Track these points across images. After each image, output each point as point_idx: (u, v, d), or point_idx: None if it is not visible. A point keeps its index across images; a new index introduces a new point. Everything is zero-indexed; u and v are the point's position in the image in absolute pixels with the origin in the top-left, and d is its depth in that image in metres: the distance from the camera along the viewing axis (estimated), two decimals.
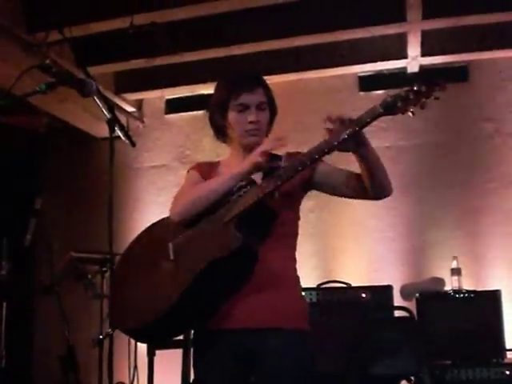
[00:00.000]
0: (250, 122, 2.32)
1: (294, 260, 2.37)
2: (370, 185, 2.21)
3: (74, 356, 3.34)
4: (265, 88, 2.39)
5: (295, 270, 2.36)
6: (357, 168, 2.23)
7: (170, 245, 2.25)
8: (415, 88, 1.95)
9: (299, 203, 2.38)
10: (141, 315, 2.21)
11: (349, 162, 2.26)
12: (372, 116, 2.01)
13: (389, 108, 1.99)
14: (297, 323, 2.25)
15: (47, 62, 2.59)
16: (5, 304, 3.91)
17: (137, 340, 2.61)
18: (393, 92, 2.00)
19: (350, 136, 2.04)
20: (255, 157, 2.19)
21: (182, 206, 2.30)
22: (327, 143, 2.08)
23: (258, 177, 2.26)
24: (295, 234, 2.38)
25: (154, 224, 2.42)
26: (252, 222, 2.15)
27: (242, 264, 2.16)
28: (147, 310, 2.19)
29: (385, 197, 2.27)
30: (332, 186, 2.34)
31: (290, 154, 2.38)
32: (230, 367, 2.23)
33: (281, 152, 2.40)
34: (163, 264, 2.24)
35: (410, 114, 1.98)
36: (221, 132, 2.45)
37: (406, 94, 1.96)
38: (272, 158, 2.34)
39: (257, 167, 2.20)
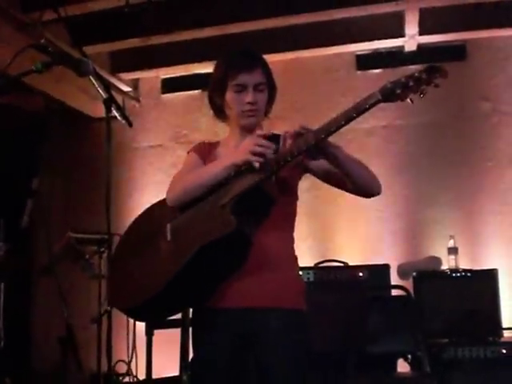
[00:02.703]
0: (248, 103, 2.31)
1: (292, 240, 2.37)
2: (352, 186, 2.24)
3: (72, 336, 3.35)
4: (264, 68, 2.36)
5: (293, 250, 2.37)
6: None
7: (168, 226, 2.27)
8: (416, 75, 1.93)
9: (296, 185, 2.38)
10: (138, 294, 2.23)
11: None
12: (371, 102, 1.99)
13: (388, 95, 1.97)
14: (294, 303, 2.27)
15: (42, 41, 2.57)
16: (2, 285, 3.92)
17: (134, 318, 2.62)
18: (393, 79, 1.98)
19: (347, 123, 2.03)
20: (249, 147, 2.15)
21: (177, 192, 2.31)
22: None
23: None
24: (293, 216, 2.38)
25: (153, 205, 2.44)
26: (248, 205, 2.15)
27: (236, 247, 2.17)
28: (144, 288, 2.22)
29: (372, 196, 2.30)
30: (324, 178, 2.35)
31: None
32: (228, 346, 2.24)
33: (281, 130, 2.40)
34: (161, 244, 2.27)
35: (409, 101, 1.97)
36: (220, 111, 2.43)
37: (406, 80, 1.94)
38: (270, 137, 2.33)
39: (248, 162, 2.15)
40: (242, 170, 2.18)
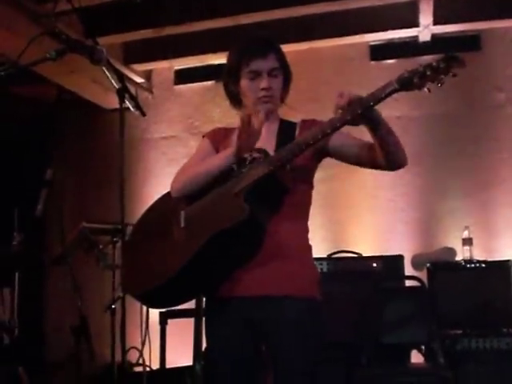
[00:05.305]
0: (262, 89, 2.30)
1: (307, 229, 2.36)
2: (383, 157, 2.19)
3: (86, 326, 3.36)
4: (277, 53, 2.35)
5: (307, 239, 2.35)
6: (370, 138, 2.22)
7: (182, 213, 2.28)
8: (433, 64, 1.91)
9: (313, 173, 2.37)
10: (151, 280, 2.24)
11: (362, 133, 2.24)
12: (387, 92, 1.98)
13: (405, 84, 1.95)
14: (308, 291, 2.26)
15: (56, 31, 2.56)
16: (17, 275, 3.94)
17: (145, 304, 2.63)
18: (410, 68, 1.96)
19: (363, 111, 2.02)
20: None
21: (181, 183, 2.35)
22: (340, 118, 2.06)
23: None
24: (308, 204, 2.37)
25: (167, 193, 2.43)
26: (261, 194, 2.15)
27: (250, 235, 2.17)
28: (157, 274, 2.23)
29: (398, 168, 2.25)
30: (345, 156, 2.33)
31: (304, 122, 2.37)
32: (241, 335, 2.25)
33: (296, 119, 2.39)
34: (175, 231, 2.28)
35: (427, 90, 1.95)
36: (235, 99, 2.43)
37: (424, 69, 1.92)
38: (287, 124, 2.33)
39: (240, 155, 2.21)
40: (258, 156, 2.18)
